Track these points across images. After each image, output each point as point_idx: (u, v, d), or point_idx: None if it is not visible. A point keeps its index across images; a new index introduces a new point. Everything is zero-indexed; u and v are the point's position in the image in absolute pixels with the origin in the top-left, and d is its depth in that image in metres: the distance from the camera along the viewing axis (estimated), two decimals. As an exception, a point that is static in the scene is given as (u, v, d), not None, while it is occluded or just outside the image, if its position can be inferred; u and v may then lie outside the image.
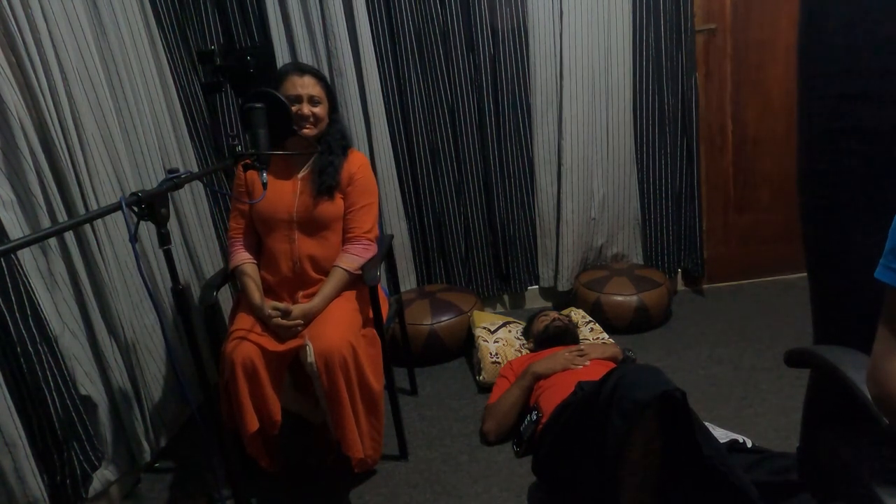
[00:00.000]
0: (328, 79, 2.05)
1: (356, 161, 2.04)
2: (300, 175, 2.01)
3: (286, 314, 1.85)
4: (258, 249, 2.07)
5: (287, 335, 1.86)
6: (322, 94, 1.98)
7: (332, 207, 1.98)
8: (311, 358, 1.76)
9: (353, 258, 1.98)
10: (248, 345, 1.79)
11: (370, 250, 2.02)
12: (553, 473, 1.78)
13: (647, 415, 1.37)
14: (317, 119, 1.96)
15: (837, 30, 1.10)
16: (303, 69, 1.99)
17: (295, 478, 2.05)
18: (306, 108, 1.94)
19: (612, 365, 2.13)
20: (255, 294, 1.92)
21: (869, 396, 0.92)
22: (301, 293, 1.98)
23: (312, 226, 1.98)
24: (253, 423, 1.76)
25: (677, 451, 1.42)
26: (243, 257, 2.01)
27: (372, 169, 2.84)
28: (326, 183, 1.95)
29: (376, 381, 1.87)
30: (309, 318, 1.89)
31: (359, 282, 2.00)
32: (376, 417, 1.89)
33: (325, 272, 1.99)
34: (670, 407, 1.39)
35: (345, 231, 2.03)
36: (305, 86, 1.94)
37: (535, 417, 1.94)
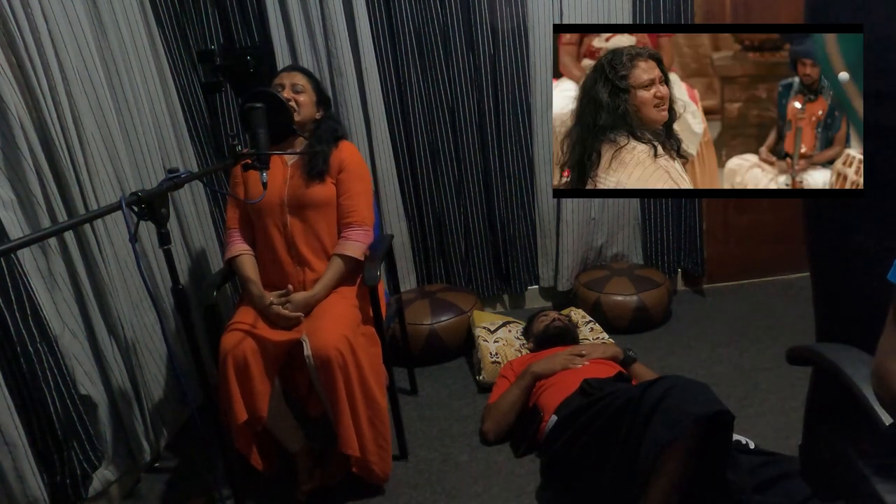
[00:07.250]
0: (322, 79, 2.10)
1: (346, 149, 2.07)
2: (290, 162, 2.04)
3: (286, 295, 1.88)
4: (254, 241, 2.09)
5: (286, 325, 1.88)
6: (307, 85, 2.03)
7: (323, 190, 1.99)
8: (307, 351, 1.78)
9: (356, 245, 2.00)
10: (242, 336, 1.82)
11: (370, 235, 2.05)
12: (565, 474, 1.77)
13: (695, 429, 1.36)
14: (298, 105, 1.99)
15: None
16: (293, 67, 2.09)
17: (293, 478, 2.04)
18: (287, 93, 1.98)
19: (613, 364, 2.13)
20: (254, 285, 1.95)
21: (869, 394, 0.92)
22: (305, 277, 2.00)
23: (303, 208, 1.99)
24: (241, 413, 1.78)
25: (706, 474, 1.41)
26: (241, 248, 2.03)
27: (371, 169, 2.87)
28: (317, 168, 1.98)
29: (376, 384, 1.86)
30: (310, 307, 1.92)
31: (358, 279, 2.01)
32: (381, 422, 1.87)
33: (321, 254, 2.01)
34: (718, 427, 1.38)
35: (342, 217, 2.03)
36: (291, 77, 2.02)
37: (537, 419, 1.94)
